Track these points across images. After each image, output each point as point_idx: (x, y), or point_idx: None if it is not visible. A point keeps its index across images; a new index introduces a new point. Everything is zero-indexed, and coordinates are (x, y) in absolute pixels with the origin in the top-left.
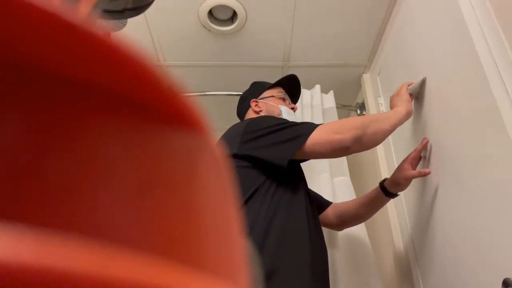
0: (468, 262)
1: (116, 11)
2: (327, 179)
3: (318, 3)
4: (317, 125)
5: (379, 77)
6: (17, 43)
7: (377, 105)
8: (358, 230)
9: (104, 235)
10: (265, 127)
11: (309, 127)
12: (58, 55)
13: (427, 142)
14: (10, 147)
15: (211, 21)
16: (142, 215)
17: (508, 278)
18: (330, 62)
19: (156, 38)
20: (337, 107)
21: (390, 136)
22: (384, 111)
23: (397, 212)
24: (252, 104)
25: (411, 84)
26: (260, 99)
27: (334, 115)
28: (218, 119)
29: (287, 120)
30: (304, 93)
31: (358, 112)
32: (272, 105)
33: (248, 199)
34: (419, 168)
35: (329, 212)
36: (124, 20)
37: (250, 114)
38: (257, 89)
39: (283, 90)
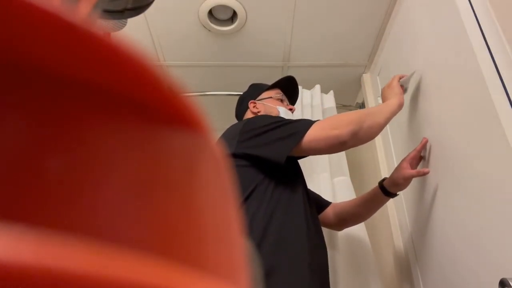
0: (467, 261)
1: (116, 11)
2: (327, 179)
3: (318, 3)
4: (314, 121)
5: (379, 77)
6: (17, 43)
7: (377, 105)
8: (358, 230)
9: (104, 235)
10: (262, 125)
11: (306, 124)
12: (58, 55)
13: (426, 141)
14: (10, 147)
15: (211, 21)
16: (142, 215)
17: (505, 278)
18: (330, 62)
19: (156, 38)
20: (337, 107)
21: (390, 136)
22: None
23: (397, 211)
24: (250, 105)
25: (402, 77)
26: (258, 100)
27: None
28: (218, 119)
29: (284, 118)
30: (304, 93)
31: None
32: (270, 106)
33: (246, 198)
34: (418, 168)
35: (328, 212)
36: (124, 20)
37: (248, 115)
38: (255, 90)
39: (281, 92)
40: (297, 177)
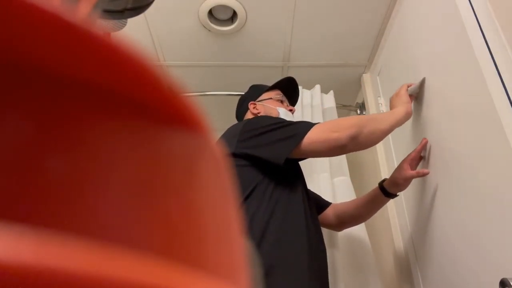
0: (467, 261)
1: (116, 11)
2: (327, 179)
3: (318, 3)
4: (314, 123)
5: (379, 77)
6: (17, 43)
7: (377, 105)
8: (358, 230)
9: (104, 235)
10: (262, 126)
11: (306, 126)
12: (58, 55)
13: (426, 142)
14: (10, 147)
15: (211, 21)
16: (142, 215)
17: (505, 278)
18: (330, 62)
19: (156, 38)
20: (337, 107)
21: (390, 136)
22: (384, 111)
23: (397, 211)
24: (250, 106)
25: (411, 85)
26: (258, 101)
27: (334, 115)
28: (218, 119)
29: (284, 119)
30: (304, 93)
31: (358, 112)
32: (270, 107)
33: (246, 198)
34: (419, 169)
35: (328, 212)
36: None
37: (248, 116)
38: (255, 91)
39: (281, 93)
40: (297, 177)
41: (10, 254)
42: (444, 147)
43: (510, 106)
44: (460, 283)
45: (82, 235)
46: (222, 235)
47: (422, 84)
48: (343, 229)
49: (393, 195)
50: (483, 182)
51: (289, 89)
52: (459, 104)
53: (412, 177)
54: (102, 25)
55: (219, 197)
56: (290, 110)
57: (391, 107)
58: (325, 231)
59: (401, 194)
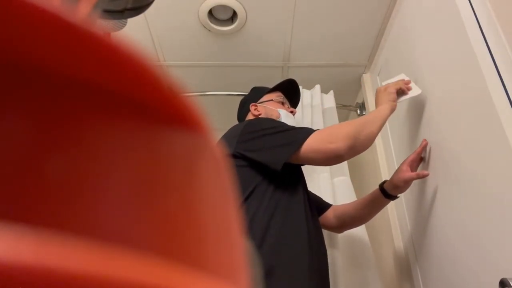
0: (467, 262)
1: (116, 11)
2: (327, 179)
3: (318, 3)
4: (313, 131)
5: (379, 77)
6: (17, 43)
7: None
8: (358, 230)
9: (104, 235)
10: (262, 128)
11: (304, 133)
12: (58, 55)
13: (426, 144)
14: (10, 147)
15: (211, 21)
16: (142, 215)
17: (505, 278)
18: (330, 62)
19: (156, 38)
20: (337, 107)
21: (390, 136)
22: None
23: (397, 211)
24: (252, 108)
25: (407, 84)
26: (259, 103)
27: (334, 115)
28: (218, 119)
29: (285, 124)
30: (304, 93)
31: (358, 112)
32: (271, 108)
33: (246, 198)
34: (419, 170)
35: (329, 214)
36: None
37: (250, 118)
38: (256, 93)
39: (282, 94)
40: (298, 178)
41: (10, 254)
42: (443, 147)
43: (510, 106)
44: (460, 283)
45: (82, 235)
46: (222, 235)
47: (413, 98)
48: (344, 231)
49: (393, 197)
50: (483, 182)
51: (290, 91)
52: (458, 103)
53: (412, 179)
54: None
55: (219, 197)
56: (291, 112)
57: (377, 100)
58: (325, 232)
59: (401, 195)
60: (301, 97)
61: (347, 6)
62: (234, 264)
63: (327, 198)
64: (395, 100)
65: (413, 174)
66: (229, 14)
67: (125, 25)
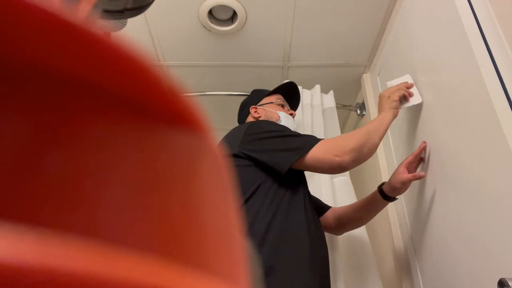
0: (466, 262)
1: (116, 11)
2: (327, 179)
3: (318, 3)
4: (319, 140)
5: (379, 77)
6: (18, 43)
7: (377, 105)
8: (359, 230)
9: (105, 235)
10: (268, 130)
11: (311, 141)
12: (58, 55)
13: (425, 146)
14: (10, 147)
15: (211, 21)
16: (142, 215)
17: (504, 278)
18: (330, 62)
19: (156, 38)
20: (337, 107)
21: (390, 137)
22: None
23: (397, 212)
24: (252, 110)
25: (408, 89)
26: (259, 105)
27: (334, 115)
28: (218, 119)
29: (290, 130)
30: (304, 93)
31: (358, 112)
32: (271, 111)
33: (249, 198)
34: (418, 171)
35: (328, 215)
36: (124, 20)
37: (250, 120)
38: (256, 96)
39: (281, 97)
40: (300, 178)
41: (10, 254)
42: (443, 147)
43: (509, 107)
44: (459, 283)
45: (82, 235)
46: (222, 235)
47: (415, 105)
48: (343, 233)
49: (392, 198)
50: (482, 183)
51: (290, 93)
52: (458, 104)
53: (409, 180)
54: (102, 25)
55: (219, 197)
56: (291, 114)
57: (380, 107)
58: (325, 233)
59: (401, 196)
60: (301, 97)
61: (347, 6)
62: (234, 264)
63: (327, 198)
64: (397, 108)
65: (409, 175)
66: (229, 14)
67: (125, 25)
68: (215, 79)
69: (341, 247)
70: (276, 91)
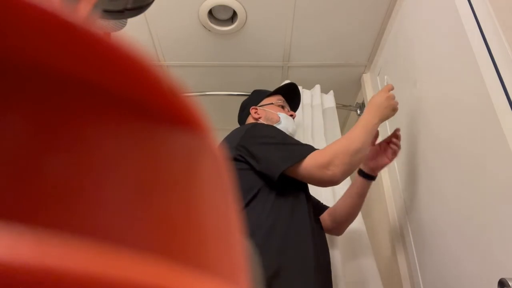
0: (466, 262)
1: (116, 11)
2: None
3: (318, 3)
4: (313, 150)
5: (379, 77)
6: (17, 43)
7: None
8: (359, 229)
9: (105, 235)
10: (265, 135)
11: (305, 150)
12: (58, 55)
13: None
14: (10, 147)
15: (211, 21)
16: (142, 215)
17: (504, 278)
18: (330, 62)
19: (156, 38)
20: (337, 107)
21: (389, 133)
22: None
23: (397, 213)
24: (252, 111)
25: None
26: (259, 106)
27: (334, 115)
28: (218, 119)
29: (286, 137)
30: (304, 93)
31: (358, 112)
32: (271, 112)
33: (250, 201)
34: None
35: (324, 215)
36: (124, 20)
37: (250, 121)
38: (256, 96)
39: (282, 98)
40: (301, 181)
41: (10, 254)
42: (443, 147)
43: (509, 107)
44: (459, 283)
45: (82, 235)
46: (222, 235)
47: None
48: (340, 231)
49: (373, 177)
50: (483, 183)
51: (290, 95)
52: (457, 104)
53: (374, 149)
54: (102, 25)
55: (219, 197)
56: (291, 115)
57: (371, 104)
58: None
59: (401, 194)
60: (301, 97)
61: (347, 6)
62: (234, 264)
63: (327, 196)
64: (394, 109)
65: (376, 146)
66: (229, 14)
67: (125, 25)
68: (215, 79)
69: (341, 247)
70: (276, 92)
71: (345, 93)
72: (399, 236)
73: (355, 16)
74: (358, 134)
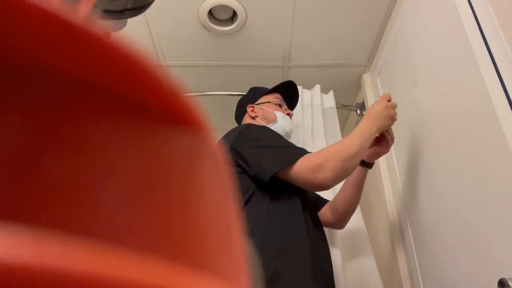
0: (466, 261)
1: (116, 11)
2: None
3: (318, 3)
4: (306, 153)
5: (379, 77)
6: (17, 43)
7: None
8: (358, 231)
9: (105, 235)
10: (255, 138)
11: (297, 153)
12: (58, 55)
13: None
14: (10, 147)
15: (211, 21)
16: (142, 215)
17: (504, 278)
18: (330, 62)
19: (156, 38)
20: (337, 107)
21: None
22: None
23: (397, 213)
24: (249, 109)
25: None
26: (257, 104)
27: (334, 115)
28: (218, 119)
29: (280, 139)
30: (304, 93)
31: (358, 112)
32: (268, 110)
33: (245, 203)
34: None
35: (325, 209)
36: (124, 20)
37: (247, 119)
38: (254, 94)
39: (280, 96)
40: None
41: (10, 254)
42: (443, 147)
43: (509, 107)
44: (459, 283)
45: (82, 235)
46: (222, 235)
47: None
48: (342, 224)
49: (371, 164)
50: (483, 183)
51: (288, 93)
52: (457, 103)
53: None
54: (102, 25)
55: (219, 197)
56: (288, 114)
57: (370, 113)
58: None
59: (400, 194)
60: (301, 97)
61: (347, 6)
62: (233, 264)
63: (327, 194)
64: (385, 128)
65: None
66: (229, 14)
67: (125, 25)
68: (215, 79)
69: (341, 247)
70: (274, 90)
71: (345, 93)
72: (399, 236)
73: (355, 16)
74: (353, 141)
